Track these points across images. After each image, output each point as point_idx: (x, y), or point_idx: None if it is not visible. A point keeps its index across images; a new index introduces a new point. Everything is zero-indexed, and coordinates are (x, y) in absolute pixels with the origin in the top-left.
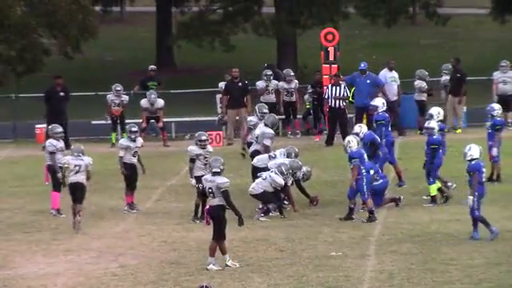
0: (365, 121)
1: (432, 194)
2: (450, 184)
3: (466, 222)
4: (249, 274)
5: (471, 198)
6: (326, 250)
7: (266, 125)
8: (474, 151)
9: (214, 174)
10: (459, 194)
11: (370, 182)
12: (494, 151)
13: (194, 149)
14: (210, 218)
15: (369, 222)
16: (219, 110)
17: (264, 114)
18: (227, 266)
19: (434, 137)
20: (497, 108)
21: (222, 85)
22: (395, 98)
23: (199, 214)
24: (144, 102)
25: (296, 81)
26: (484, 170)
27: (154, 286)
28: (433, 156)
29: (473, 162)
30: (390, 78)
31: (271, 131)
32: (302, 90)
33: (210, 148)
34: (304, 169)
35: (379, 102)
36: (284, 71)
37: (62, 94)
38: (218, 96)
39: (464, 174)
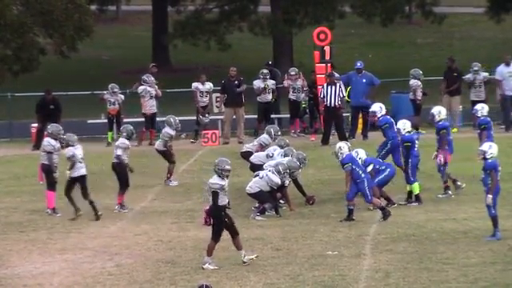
0: (361, 120)
1: (415, 193)
2: (459, 183)
3: (461, 221)
4: (245, 273)
5: (490, 196)
6: (322, 249)
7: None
8: (493, 149)
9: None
10: (455, 193)
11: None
12: None
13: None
14: (209, 218)
15: (385, 219)
16: (215, 110)
17: (277, 135)
18: (245, 262)
19: (406, 135)
20: (479, 108)
21: (195, 85)
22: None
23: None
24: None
25: (301, 79)
26: (499, 168)
27: (150, 285)
28: (407, 154)
29: (490, 161)
30: (507, 73)
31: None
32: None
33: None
34: (298, 154)
35: (376, 107)
36: (289, 70)
37: (51, 106)
38: (215, 95)
39: (463, 174)
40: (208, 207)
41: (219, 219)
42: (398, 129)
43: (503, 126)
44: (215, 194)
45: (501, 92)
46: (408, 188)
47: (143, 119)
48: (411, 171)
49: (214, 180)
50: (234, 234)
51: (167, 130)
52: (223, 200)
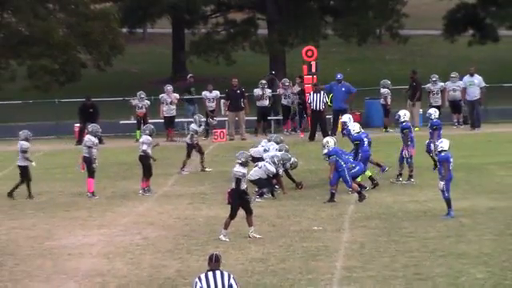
0: (340, 120)
1: (368, 176)
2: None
3: (422, 203)
4: (247, 245)
5: (442, 183)
6: (309, 225)
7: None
8: (445, 144)
9: (238, 164)
10: (417, 180)
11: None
12: (432, 146)
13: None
14: (231, 198)
15: (360, 200)
16: (222, 112)
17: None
18: (250, 237)
19: (355, 135)
20: (433, 112)
21: (204, 93)
22: None
23: None
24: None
25: (293, 88)
26: (452, 159)
27: (171, 254)
28: (357, 150)
29: (442, 154)
30: (469, 82)
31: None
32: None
33: None
34: (292, 159)
35: (346, 118)
36: (282, 80)
37: (91, 110)
38: (222, 101)
39: (424, 164)
40: (230, 189)
41: (236, 200)
42: (349, 130)
43: (455, 126)
44: (238, 180)
45: (449, 99)
46: (365, 175)
47: (163, 120)
48: (364, 163)
49: (238, 169)
50: (249, 212)
51: (193, 125)
52: (243, 185)
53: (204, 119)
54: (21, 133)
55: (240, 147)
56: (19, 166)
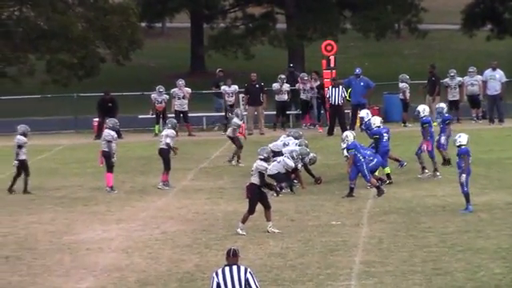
0: (358, 115)
1: (386, 173)
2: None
3: (440, 198)
4: (265, 239)
5: (464, 175)
6: (328, 220)
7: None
8: (463, 139)
9: (260, 159)
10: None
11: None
12: (442, 139)
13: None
14: (249, 193)
15: (379, 195)
16: (241, 107)
17: (297, 137)
18: (268, 231)
19: (375, 129)
20: (444, 107)
21: (224, 88)
22: None
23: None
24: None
25: (311, 82)
26: (470, 154)
27: (189, 248)
28: (376, 145)
29: (462, 147)
30: (490, 76)
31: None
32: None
33: None
34: (311, 155)
35: (364, 113)
36: (300, 75)
37: (110, 104)
38: (241, 95)
39: (440, 159)
40: (248, 184)
41: (256, 195)
42: (369, 123)
43: (474, 121)
44: (262, 175)
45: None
46: (384, 171)
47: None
48: (383, 158)
49: (261, 163)
50: (267, 207)
51: (235, 120)
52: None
53: (245, 113)
54: (19, 127)
55: (259, 142)
56: (19, 160)
